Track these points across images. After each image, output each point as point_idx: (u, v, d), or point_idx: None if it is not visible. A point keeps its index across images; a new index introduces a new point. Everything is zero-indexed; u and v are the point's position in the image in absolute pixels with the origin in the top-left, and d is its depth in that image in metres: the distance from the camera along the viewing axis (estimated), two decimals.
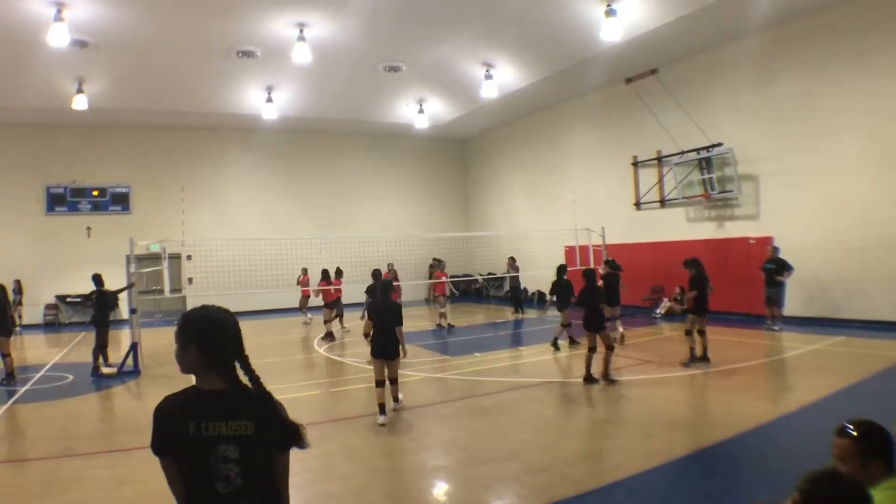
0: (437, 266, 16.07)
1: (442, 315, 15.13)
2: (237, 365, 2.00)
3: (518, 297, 17.57)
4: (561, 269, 11.71)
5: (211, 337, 1.94)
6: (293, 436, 1.98)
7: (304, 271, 16.85)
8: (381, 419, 6.70)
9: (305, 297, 17.28)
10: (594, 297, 8.73)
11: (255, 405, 1.94)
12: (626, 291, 12.17)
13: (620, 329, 11.45)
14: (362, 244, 18.37)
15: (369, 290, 11.85)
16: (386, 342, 7.07)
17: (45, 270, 18.59)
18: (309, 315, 17.15)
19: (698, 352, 9.09)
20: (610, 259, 12.53)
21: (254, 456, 1.89)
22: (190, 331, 1.97)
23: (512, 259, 16.83)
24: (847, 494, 1.75)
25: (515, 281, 17.82)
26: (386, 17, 12.96)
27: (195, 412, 1.89)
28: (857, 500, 1.75)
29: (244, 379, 2.00)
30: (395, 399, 7.39)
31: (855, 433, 2.13)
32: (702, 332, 9.12)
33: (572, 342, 11.44)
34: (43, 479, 5.35)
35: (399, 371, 7.41)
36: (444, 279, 15.47)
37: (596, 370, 8.47)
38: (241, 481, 1.88)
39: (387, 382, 7.13)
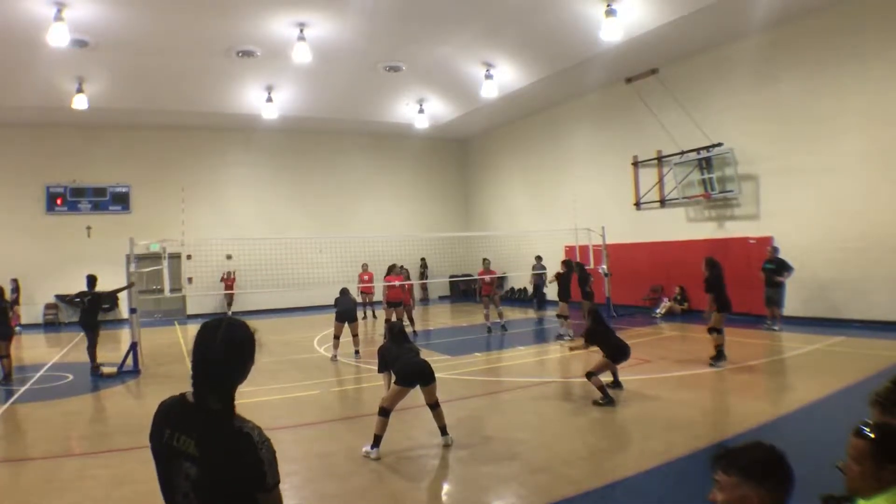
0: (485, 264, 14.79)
1: (499, 315, 14.41)
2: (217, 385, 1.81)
3: (540, 297, 17.80)
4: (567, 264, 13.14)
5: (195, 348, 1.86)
6: (264, 475, 1.74)
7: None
8: (373, 452, 5.57)
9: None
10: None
11: (220, 432, 1.75)
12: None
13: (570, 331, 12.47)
14: (362, 244, 18.37)
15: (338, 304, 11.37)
16: (419, 362, 5.87)
17: (45, 270, 18.60)
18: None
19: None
20: (567, 259, 13.74)
21: (206, 482, 1.73)
22: None
23: (538, 258, 17.07)
24: (764, 455, 1.77)
25: (539, 279, 17.92)
26: (386, 17, 12.95)
27: (172, 420, 1.83)
28: (772, 460, 1.76)
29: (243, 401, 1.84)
30: (444, 430, 5.93)
31: (872, 435, 2.04)
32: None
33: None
34: (43, 479, 5.35)
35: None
36: (486, 278, 14.29)
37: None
38: (198, 503, 1.76)
39: (387, 418, 5.69)
